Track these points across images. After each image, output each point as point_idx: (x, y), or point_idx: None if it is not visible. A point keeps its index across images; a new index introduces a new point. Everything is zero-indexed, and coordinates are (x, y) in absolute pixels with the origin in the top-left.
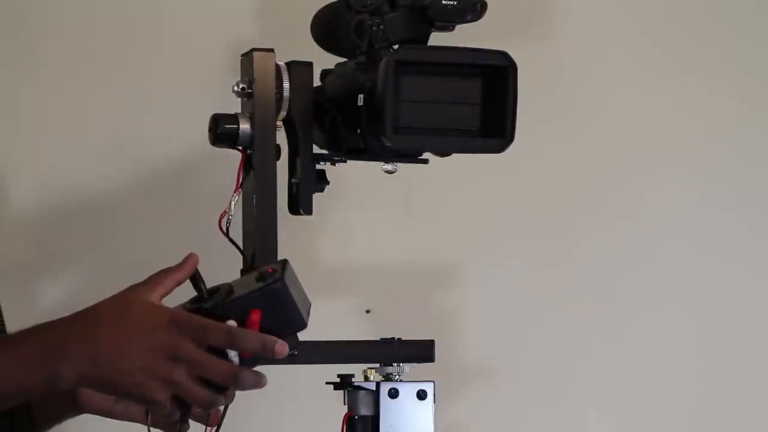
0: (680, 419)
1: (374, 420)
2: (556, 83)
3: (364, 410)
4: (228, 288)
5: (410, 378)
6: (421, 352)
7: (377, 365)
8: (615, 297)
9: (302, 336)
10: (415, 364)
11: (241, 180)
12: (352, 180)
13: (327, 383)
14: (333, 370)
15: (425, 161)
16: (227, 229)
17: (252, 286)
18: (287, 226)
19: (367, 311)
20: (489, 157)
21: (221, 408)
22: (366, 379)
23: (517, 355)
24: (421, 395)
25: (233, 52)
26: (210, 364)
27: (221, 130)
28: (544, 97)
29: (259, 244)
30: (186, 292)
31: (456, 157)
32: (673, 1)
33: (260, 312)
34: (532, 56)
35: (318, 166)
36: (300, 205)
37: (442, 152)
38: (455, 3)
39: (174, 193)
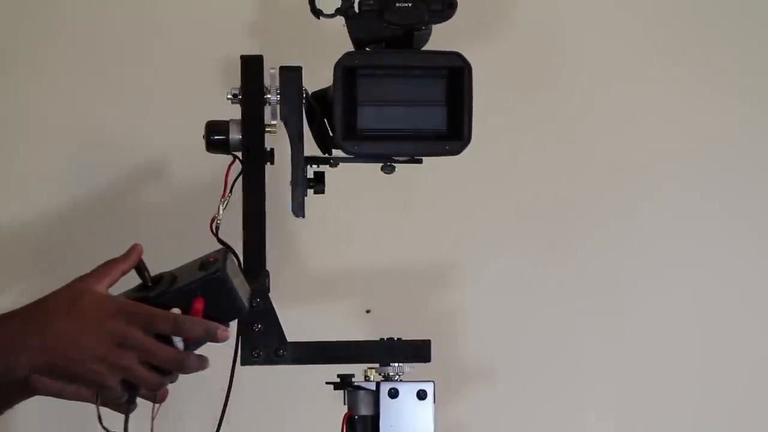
0: (680, 419)
1: (374, 420)
2: (556, 83)
3: (364, 410)
4: (171, 277)
5: (410, 378)
6: (418, 351)
7: (377, 365)
8: (615, 297)
9: (303, 336)
10: (415, 364)
11: (229, 185)
12: (351, 180)
13: (327, 383)
14: (333, 370)
15: (419, 161)
16: (217, 231)
17: (195, 275)
18: (288, 227)
19: (367, 311)
20: (488, 157)
21: (168, 387)
22: (366, 379)
23: (517, 355)
24: (421, 395)
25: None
26: (158, 350)
27: (213, 137)
28: (543, 96)
29: (247, 246)
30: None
31: (456, 157)
32: (674, 0)
33: (203, 300)
34: (531, 55)
35: (318, 169)
36: (292, 208)
37: (401, 156)
38: (409, 5)
39: (176, 195)
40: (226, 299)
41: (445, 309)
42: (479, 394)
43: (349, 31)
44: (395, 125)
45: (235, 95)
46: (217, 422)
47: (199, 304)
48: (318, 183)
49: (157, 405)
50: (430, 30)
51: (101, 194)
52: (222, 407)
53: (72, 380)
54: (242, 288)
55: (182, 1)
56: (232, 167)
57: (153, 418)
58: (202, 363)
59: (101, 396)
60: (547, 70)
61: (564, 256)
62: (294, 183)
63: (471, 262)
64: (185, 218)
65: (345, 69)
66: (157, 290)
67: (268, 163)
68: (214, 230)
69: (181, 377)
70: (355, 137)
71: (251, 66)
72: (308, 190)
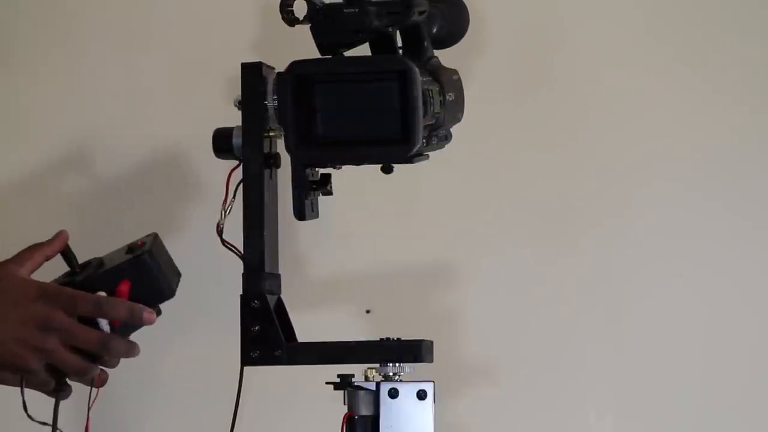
0: (680, 419)
1: (374, 420)
2: (554, 81)
3: (364, 410)
4: (99, 262)
5: (410, 378)
6: (418, 352)
7: (377, 365)
8: (616, 296)
9: (303, 336)
10: (415, 364)
11: (230, 190)
12: (351, 180)
13: (327, 383)
14: (333, 370)
15: (410, 161)
16: (221, 235)
17: (121, 258)
18: (288, 227)
19: (368, 311)
20: (488, 157)
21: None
22: (366, 379)
23: (518, 354)
24: (421, 395)
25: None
26: (80, 332)
27: (218, 143)
28: (544, 94)
29: (246, 250)
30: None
31: (455, 156)
32: None
33: (129, 282)
34: (529, 53)
35: (323, 171)
36: (293, 210)
37: (358, 163)
38: (356, 10)
39: (186, 197)
40: (152, 281)
41: (446, 308)
42: (479, 394)
43: (313, 37)
44: (352, 131)
45: (240, 102)
46: (231, 423)
47: (124, 287)
48: (324, 185)
49: (95, 391)
50: (456, 26)
51: (105, 195)
52: (234, 408)
53: None
54: (171, 271)
55: (190, 6)
56: (234, 173)
57: (89, 407)
58: (130, 348)
59: (26, 381)
60: (545, 68)
61: (565, 255)
62: (294, 185)
63: (471, 262)
64: (191, 220)
65: (295, 77)
66: (84, 274)
67: (274, 168)
68: (218, 234)
69: (176, 378)
70: (307, 145)
71: (250, 73)
72: (316, 193)
